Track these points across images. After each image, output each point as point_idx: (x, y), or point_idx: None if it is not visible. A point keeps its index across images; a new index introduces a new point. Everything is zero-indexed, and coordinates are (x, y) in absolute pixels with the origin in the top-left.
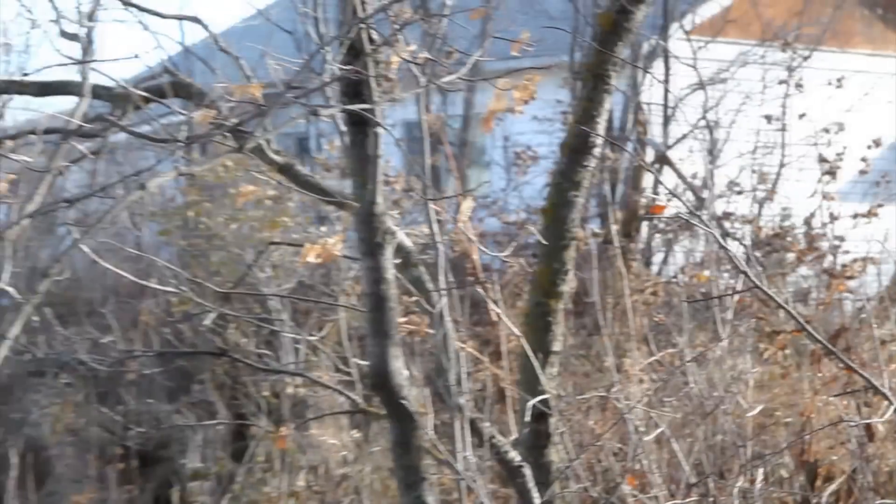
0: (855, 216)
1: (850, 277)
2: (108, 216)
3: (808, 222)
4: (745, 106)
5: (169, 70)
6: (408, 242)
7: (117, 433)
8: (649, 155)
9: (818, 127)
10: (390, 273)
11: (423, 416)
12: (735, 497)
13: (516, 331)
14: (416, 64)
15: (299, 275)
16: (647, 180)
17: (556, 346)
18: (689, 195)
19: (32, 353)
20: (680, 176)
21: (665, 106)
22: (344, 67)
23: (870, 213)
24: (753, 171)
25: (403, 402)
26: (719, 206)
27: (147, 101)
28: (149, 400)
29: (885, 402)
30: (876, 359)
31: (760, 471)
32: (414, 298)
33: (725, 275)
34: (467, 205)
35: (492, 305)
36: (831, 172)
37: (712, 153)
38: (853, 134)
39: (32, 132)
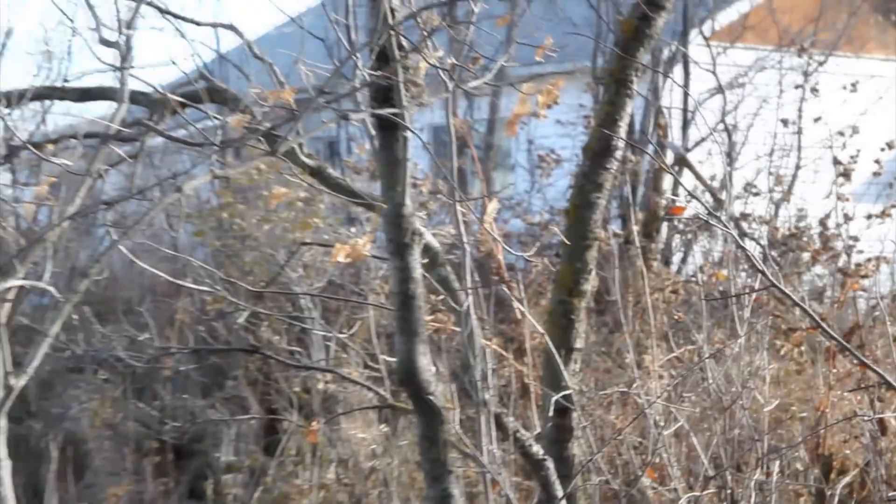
0: (869, 217)
1: (864, 276)
2: (145, 218)
3: (822, 223)
4: (762, 110)
5: (204, 76)
6: (435, 243)
7: (153, 427)
8: (669, 157)
9: (833, 130)
10: (418, 272)
11: (450, 411)
12: (752, 489)
13: (540, 328)
14: (443, 69)
15: (329, 274)
16: (667, 182)
17: (579, 343)
18: (708, 197)
19: (72, 350)
20: (699, 178)
21: (684, 110)
22: (374, 73)
23: (883, 214)
24: (770, 174)
25: (430, 397)
26: (737, 208)
27: (183, 106)
28: (184, 395)
29: None
30: (889, 355)
31: (776, 464)
32: (440, 297)
33: (743, 274)
34: (492, 206)
35: (516, 304)
36: (846, 174)
37: (730, 156)
38: (867, 137)
39: (73, 136)
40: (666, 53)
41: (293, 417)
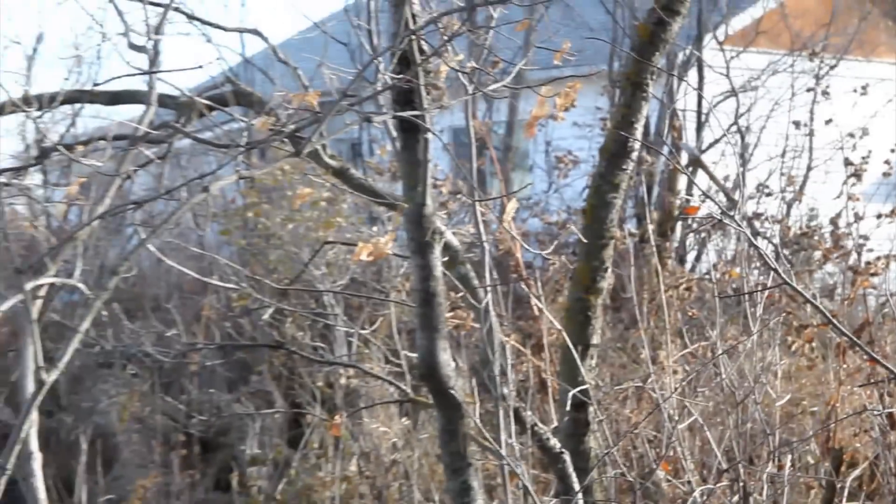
0: (879, 216)
1: (874, 274)
2: (172, 217)
3: (833, 222)
4: (774, 112)
5: (230, 80)
6: (455, 241)
7: (180, 421)
8: (684, 159)
9: (844, 132)
10: (438, 270)
11: (469, 406)
12: (764, 482)
13: (557, 325)
14: (463, 73)
15: (352, 272)
16: (682, 183)
17: (595, 339)
18: (722, 197)
19: (101, 345)
20: (713, 178)
21: (699, 112)
22: (395, 76)
23: (893, 214)
24: (782, 174)
25: (450, 391)
26: (750, 207)
27: (210, 108)
28: (210, 390)
29: None
30: None
31: (788, 457)
32: (460, 294)
33: (755, 272)
34: (511, 206)
35: (534, 301)
36: (856, 175)
37: (743, 157)
38: (877, 138)
39: (102, 138)
40: (681, 57)
41: (316, 411)
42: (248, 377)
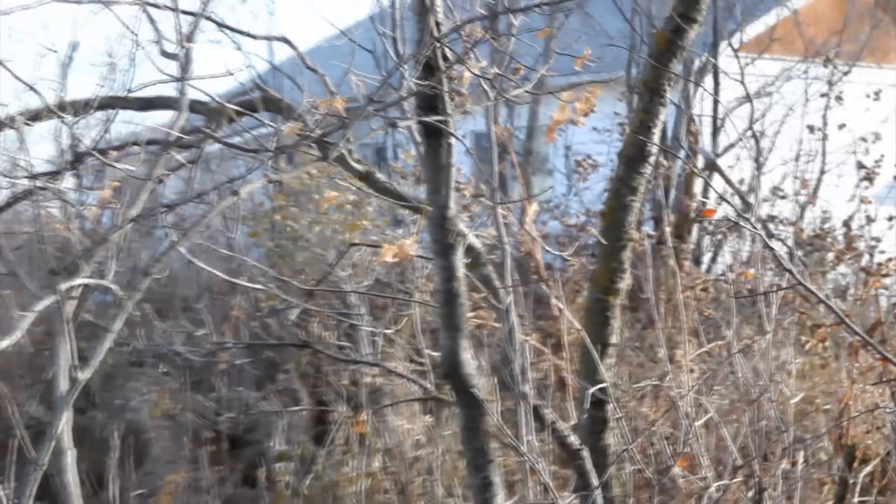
0: (890, 219)
1: (886, 275)
2: (203, 220)
3: (846, 224)
4: (788, 117)
5: (259, 86)
6: (477, 243)
7: (209, 418)
8: (700, 162)
9: (856, 136)
10: (461, 271)
11: (490, 403)
12: (778, 478)
13: (577, 324)
14: (485, 79)
15: (377, 273)
16: (698, 186)
17: (614, 339)
18: (737, 200)
19: (133, 344)
20: (728, 182)
21: (715, 117)
22: (420, 83)
23: None
24: (796, 178)
25: (472, 390)
26: (765, 210)
27: (239, 114)
28: (238, 388)
29: None
30: None
31: (802, 454)
32: (482, 295)
33: (770, 273)
34: (532, 209)
35: (554, 301)
36: (868, 178)
37: (758, 161)
38: (889, 142)
39: (135, 143)
40: (697, 64)
41: (342, 409)
42: (275, 376)
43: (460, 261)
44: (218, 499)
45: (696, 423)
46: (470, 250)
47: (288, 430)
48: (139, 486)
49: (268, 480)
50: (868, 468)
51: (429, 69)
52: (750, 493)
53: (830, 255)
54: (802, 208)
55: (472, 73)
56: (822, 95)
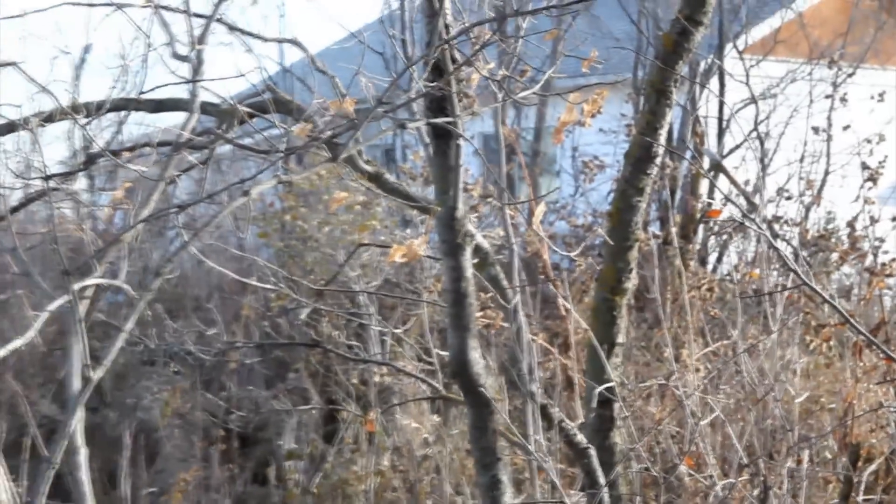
0: (894, 219)
1: (890, 275)
2: (214, 220)
3: (850, 225)
4: (793, 119)
5: (270, 88)
6: (485, 244)
7: (220, 417)
8: (706, 163)
9: (861, 137)
10: (469, 272)
11: (499, 402)
12: (783, 476)
13: (584, 324)
14: (494, 81)
15: (386, 273)
16: (704, 187)
17: (620, 338)
18: (742, 200)
19: (145, 344)
20: (734, 183)
21: (720, 119)
22: (429, 85)
23: None
24: (801, 179)
25: (480, 389)
26: (770, 211)
27: (250, 116)
28: (249, 387)
29: None
30: None
31: (807, 452)
32: (490, 295)
33: (775, 273)
34: (539, 209)
35: (561, 301)
36: (873, 179)
37: (763, 162)
38: (893, 143)
39: (147, 144)
40: (703, 66)
41: (351, 408)
42: (285, 375)
43: (468, 261)
44: (228, 497)
45: (703, 422)
46: (478, 250)
47: (298, 429)
48: (151, 484)
49: (278, 478)
50: (872, 467)
51: (438, 71)
52: (755, 492)
53: (835, 256)
54: (807, 209)
55: (481, 74)
56: (827, 97)
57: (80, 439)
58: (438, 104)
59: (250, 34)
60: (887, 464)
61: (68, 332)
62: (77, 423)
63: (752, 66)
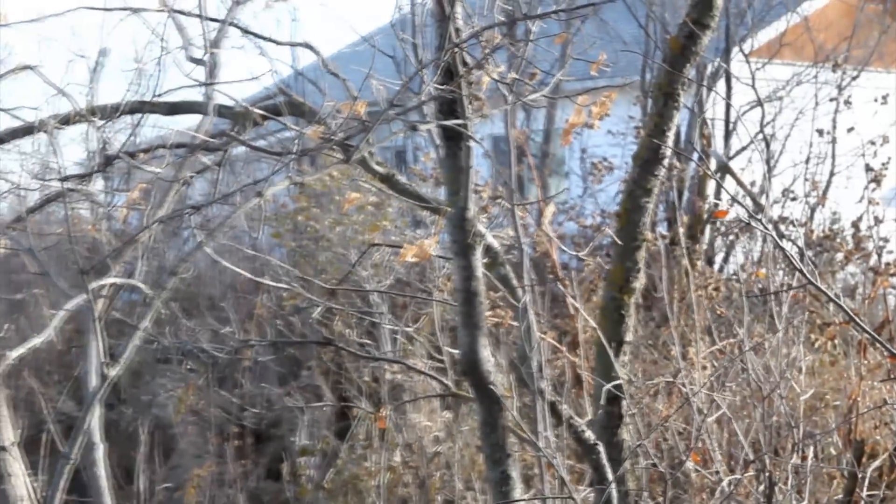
0: None
1: (894, 275)
2: (228, 221)
3: (855, 225)
4: (798, 121)
5: (283, 91)
6: (495, 243)
7: (234, 414)
8: (712, 165)
9: (865, 139)
10: (479, 271)
11: (508, 399)
12: (789, 472)
13: (592, 322)
14: (503, 84)
15: (397, 273)
16: (711, 188)
17: (628, 337)
18: (749, 201)
19: (160, 342)
20: (740, 184)
21: (727, 121)
22: (439, 87)
23: None
24: (806, 180)
25: (490, 386)
26: (776, 211)
27: (264, 118)
28: (262, 384)
29: None
30: None
31: (812, 449)
32: (500, 294)
33: (781, 272)
34: (549, 210)
35: (570, 300)
36: (877, 180)
37: (769, 163)
38: None
39: (162, 146)
40: (710, 69)
41: (363, 405)
42: (298, 372)
43: (479, 260)
44: (242, 492)
45: (709, 419)
46: (488, 250)
47: (310, 426)
48: (166, 479)
49: (291, 474)
50: (876, 463)
51: (448, 74)
52: (761, 487)
53: (840, 256)
54: (812, 210)
55: (491, 77)
56: (832, 100)
57: (97, 435)
58: (449, 107)
59: (263, 38)
60: (891, 460)
61: (85, 330)
62: (94, 419)
63: (758, 70)
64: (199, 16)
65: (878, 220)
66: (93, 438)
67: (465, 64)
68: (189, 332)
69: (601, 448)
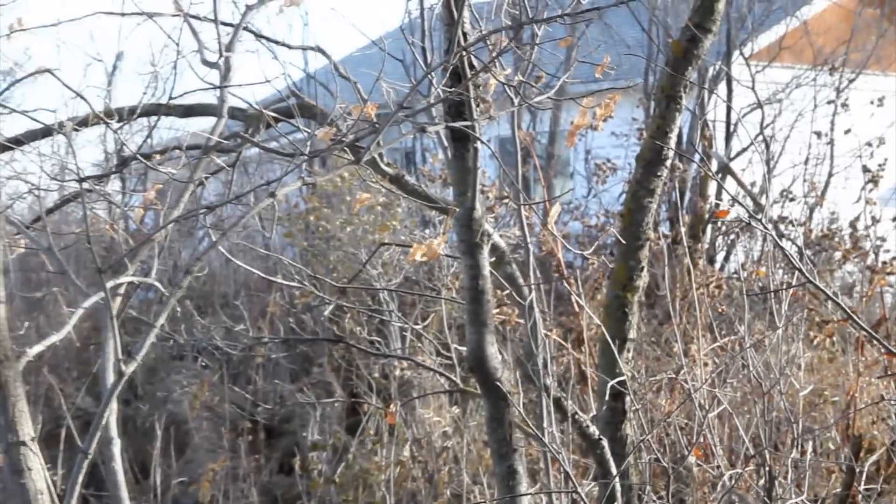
0: (894, 219)
1: (890, 273)
2: (241, 221)
3: (852, 225)
4: (797, 123)
5: (295, 93)
6: (501, 243)
7: (247, 409)
8: (714, 166)
9: (862, 141)
10: (486, 270)
11: (514, 395)
12: (788, 467)
13: (596, 320)
14: (510, 86)
15: (406, 271)
16: (712, 188)
17: (632, 334)
18: (749, 201)
19: (175, 339)
20: (740, 184)
21: (728, 123)
22: (447, 90)
23: None
24: (805, 180)
25: (497, 382)
26: (775, 211)
27: (276, 120)
28: (274, 380)
29: None
30: None
31: (810, 444)
32: (506, 292)
33: (780, 271)
34: (554, 210)
35: (575, 298)
36: (873, 181)
37: (769, 164)
38: (893, 147)
39: (177, 148)
40: (711, 72)
41: (373, 401)
42: (309, 369)
43: (486, 259)
44: (255, 486)
45: (710, 415)
46: (495, 249)
47: (322, 421)
48: (180, 473)
49: (302, 469)
50: (874, 457)
51: (456, 77)
52: (761, 481)
53: (838, 255)
54: (811, 210)
55: (497, 80)
56: (830, 102)
57: (113, 431)
58: (457, 109)
59: (276, 42)
60: (888, 454)
61: (102, 327)
62: (111, 415)
63: (758, 73)
64: (214, 21)
65: (875, 220)
66: (109, 434)
67: (472, 67)
68: (203, 330)
69: (605, 443)
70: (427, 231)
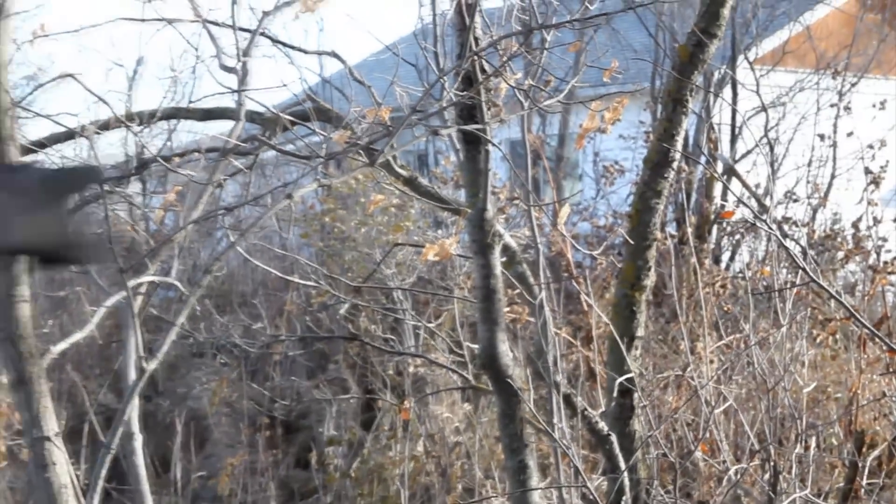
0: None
1: (892, 273)
2: (258, 221)
3: (855, 225)
4: (801, 126)
5: (310, 97)
6: (512, 243)
7: (265, 405)
8: (719, 168)
9: (864, 144)
10: (497, 269)
11: (525, 392)
12: (792, 462)
13: (605, 318)
14: (520, 90)
15: (419, 271)
16: (718, 190)
17: (640, 332)
18: (754, 202)
19: (195, 337)
20: (745, 186)
21: (733, 126)
22: (459, 94)
23: None
24: (808, 182)
25: (508, 379)
26: (779, 212)
27: (293, 123)
28: (292, 377)
29: None
30: None
31: (814, 439)
32: (517, 291)
33: (784, 270)
34: (563, 211)
35: (584, 297)
36: (875, 182)
37: (773, 166)
38: (894, 149)
39: (196, 151)
40: (716, 76)
41: (387, 397)
42: (325, 366)
43: (497, 259)
44: (273, 480)
45: (716, 411)
46: (506, 249)
47: (337, 417)
48: (200, 468)
49: (319, 463)
50: (876, 452)
51: (468, 81)
52: (766, 476)
53: (840, 254)
54: (814, 210)
55: (508, 84)
56: (832, 105)
57: (135, 426)
58: (468, 112)
59: (292, 47)
60: (890, 450)
61: (124, 326)
62: (133, 411)
63: (762, 77)
64: (232, 27)
65: (876, 221)
66: (131, 429)
67: (483, 71)
68: (222, 328)
69: (614, 438)
70: (440, 231)
